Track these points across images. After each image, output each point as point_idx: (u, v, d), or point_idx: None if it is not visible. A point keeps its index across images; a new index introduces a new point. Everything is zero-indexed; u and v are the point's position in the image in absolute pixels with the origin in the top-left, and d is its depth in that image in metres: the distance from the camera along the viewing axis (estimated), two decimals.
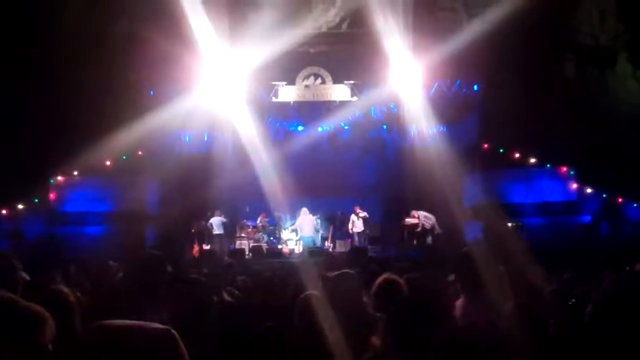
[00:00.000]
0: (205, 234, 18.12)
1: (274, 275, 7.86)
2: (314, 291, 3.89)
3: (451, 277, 5.08)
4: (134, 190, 17.56)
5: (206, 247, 17.82)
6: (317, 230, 18.46)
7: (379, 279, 4.20)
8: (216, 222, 17.85)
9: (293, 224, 18.66)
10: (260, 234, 18.77)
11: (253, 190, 17.65)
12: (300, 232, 18.17)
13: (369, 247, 17.42)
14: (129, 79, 17.56)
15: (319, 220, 18.59)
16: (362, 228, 18.29)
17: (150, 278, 3.15)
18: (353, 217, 18.34)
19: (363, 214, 18.40)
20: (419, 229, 17.65)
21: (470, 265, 4.16)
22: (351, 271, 4.27)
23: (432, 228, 17.56)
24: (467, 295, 4.15)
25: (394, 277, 4.28)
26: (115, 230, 16.95)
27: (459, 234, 15.55)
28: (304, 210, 18.00)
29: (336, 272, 4.24)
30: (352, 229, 18.35)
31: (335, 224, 19.10)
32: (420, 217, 17.58)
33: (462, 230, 15.73)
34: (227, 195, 18.59)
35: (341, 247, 18.40)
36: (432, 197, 17.21)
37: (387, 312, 3.14)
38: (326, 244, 18.57)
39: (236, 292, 6.03)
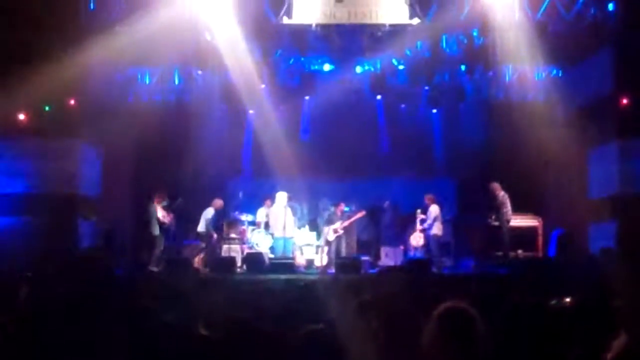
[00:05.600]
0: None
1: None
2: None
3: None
4: (63, 161, 13.02)
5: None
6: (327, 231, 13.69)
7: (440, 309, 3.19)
8: (206, 215, 13.46)
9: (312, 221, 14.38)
10: (262, 234, 14.08)
11: (249, 165, 15.22)
12: (269, 230, 13.77)
13: (441, 259, 13.34)
14: None
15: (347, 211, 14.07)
16: (440, 232, 13.53)
17: (89, 290, 2.41)
18: (432, 210, 13.55)
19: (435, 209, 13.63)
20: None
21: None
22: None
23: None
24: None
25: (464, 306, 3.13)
26: (32, 223, 12.48)
27: (579, 240, 12.47)
28: (281, 196, 13.45)
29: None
30: (420, 229, 13.60)
31: (384, 219, 14.53)
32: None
33: (582, 234, 12.61)
34: (208, 171, 14.69)
35: (389, 257, 13.95)
36: (536, 181, 13.86)
37: None
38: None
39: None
